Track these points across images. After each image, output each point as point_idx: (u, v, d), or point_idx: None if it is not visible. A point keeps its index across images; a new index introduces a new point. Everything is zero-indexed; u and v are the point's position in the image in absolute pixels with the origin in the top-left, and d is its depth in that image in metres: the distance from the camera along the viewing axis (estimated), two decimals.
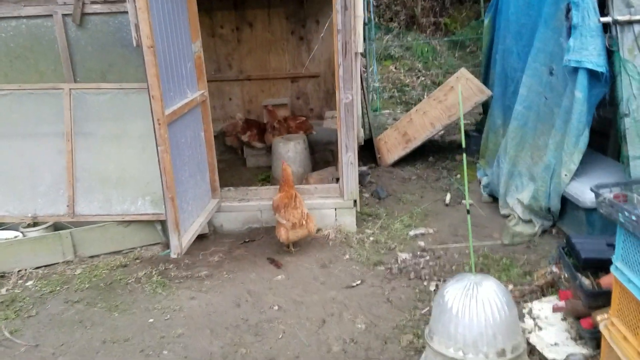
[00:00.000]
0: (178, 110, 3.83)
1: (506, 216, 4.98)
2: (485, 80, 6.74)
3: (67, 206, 4.48)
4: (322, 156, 6.57)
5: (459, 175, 6.16)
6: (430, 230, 4.86)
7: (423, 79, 10.51)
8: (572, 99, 4.06)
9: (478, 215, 5.15)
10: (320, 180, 5.35)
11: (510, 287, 3.70)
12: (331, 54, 7.33)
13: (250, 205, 4.79)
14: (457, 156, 6.71)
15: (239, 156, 6.84)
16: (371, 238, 4.68)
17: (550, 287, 3.59)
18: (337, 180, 5.29)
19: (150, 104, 3.50)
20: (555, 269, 3.55)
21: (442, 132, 6.83)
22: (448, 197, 5.55)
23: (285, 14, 7.40)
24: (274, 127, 6.48)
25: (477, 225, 4.92)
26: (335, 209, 4.73)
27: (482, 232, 4.80)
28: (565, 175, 4.23)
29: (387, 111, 9.35)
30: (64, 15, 4.31)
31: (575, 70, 3.96)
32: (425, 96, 8.85)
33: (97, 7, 4.28)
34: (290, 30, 7.46)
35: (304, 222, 4.26)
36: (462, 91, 6.68)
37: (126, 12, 4.20)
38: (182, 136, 4.01)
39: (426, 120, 6.77)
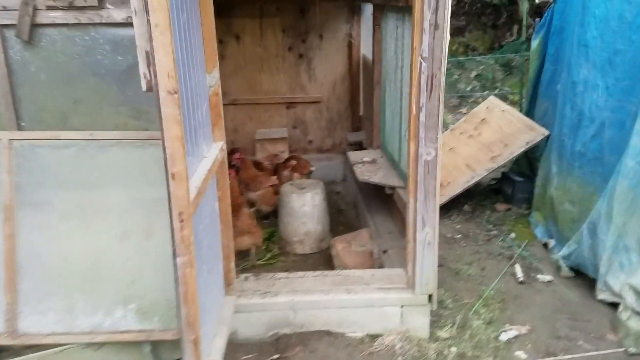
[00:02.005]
0: (202, 187, 2.35)
1: (608, 303, 3.81)
2: (529, 114, 5.60)
3: (6, 320, 2.87)
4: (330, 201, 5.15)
5: (513, 235, 4.95)
6: (524, 330, 3.60)
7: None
8: None
9: (567, 299, 3.95)
10: (355, 254, 3.98)
11: None
12: (336, 76, 6.01)
13: (277, 303, 3.33)
14: (498, 205, 5.52)
15: None
16: (453, 349, 3.35)
17: None
18: (384, 251, 3.93)
19: (168, 187, 2.01)
20: None
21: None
22: (518, 270, 4.32)
23: (282, 26, 5.97)
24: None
25: (576, 318, 3.72)
26: (402, 307, 3.37)
27: (586, 329, 3.60)
28: None
29: None
30: (2, 26, 2.72)
31: None
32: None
33: (57, 16, 2.72)
34: (288, 46, 6.04)
35: None
36: (503, 126, 5.51)
37: (104, 25, 2.68)
38: (201, 222, 2.53)
39: (459, 160, 5.54)
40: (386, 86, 4.68)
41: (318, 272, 3.44)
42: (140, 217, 2.95)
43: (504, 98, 7.63)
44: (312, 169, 5.44)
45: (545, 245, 4.70)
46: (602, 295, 3.88)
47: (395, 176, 4.12)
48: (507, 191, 5.59)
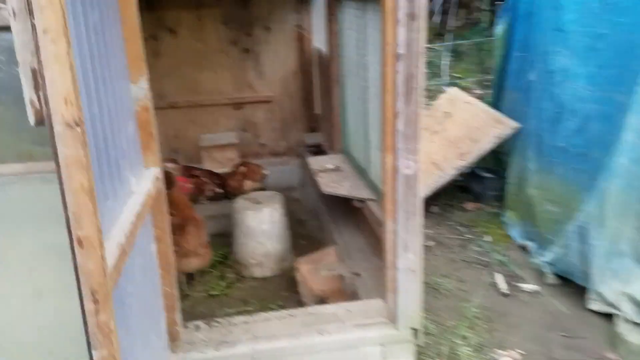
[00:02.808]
0: (128, 241, 1.77)
1: (600, 313, 3.47)
2: (497, 106, 5.23)
3: None
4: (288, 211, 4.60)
5: (489, 238, 4.57)
6: (517, 356, 3.21)
7: None
8: None
9: (557, 312, 3.59)
10: (323, 278, 3.47)
11: None
12: (287, 72, 5.45)
13: (237, 355, 2.76)
14: (467, 204, 5.14)
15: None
16: None
17: None
18: (357, 274, 3.45)
19: (74, 257, 1.43)
20: None
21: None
22: (501, 281, 3.93)
23: (222, 18, 5.34)
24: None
25: (570, 335, 3.37)
26: (383, 345, 2.88)
27: (583, 348, 3.24)
28: None
29: None
30: None
31: None
32: None
33: None
34: (231, 40, 5.42)
35: None
36: (469, 120, 5.11)
37: None
38: (130, 283, 1.94)
39: (425, 159, 5.09)
40: (347, 85, 4.17)
41: (284, 313, 2.91)
42: (57, 268, 2.32)
43: (454, 86, 7.28)
44: (266, 173, 4.88)
45: (524, 248, 4.34)
46: (593, 305, 3.54)
47: (364, 187, 3.63)
48: (476, 189, 5.22)
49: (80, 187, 1.36)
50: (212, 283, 4.02)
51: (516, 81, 4.87)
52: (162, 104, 5.41)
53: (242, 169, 4.77)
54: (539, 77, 4.14)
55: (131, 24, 2.12)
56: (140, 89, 2.28)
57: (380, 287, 3.15)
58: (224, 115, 5.60)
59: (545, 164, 4.07)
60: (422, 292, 2.88)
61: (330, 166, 4.04)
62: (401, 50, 2.45)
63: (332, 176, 3.82)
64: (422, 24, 2.44)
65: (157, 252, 2.49)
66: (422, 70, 2.50)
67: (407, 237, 2.73)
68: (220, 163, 5.07)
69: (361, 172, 3.87)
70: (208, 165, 5.09)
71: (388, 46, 2.48)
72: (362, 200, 3.47)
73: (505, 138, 4.68)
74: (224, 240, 4.57)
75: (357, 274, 3.42)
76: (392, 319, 2.90)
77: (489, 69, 9.56)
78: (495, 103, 5.21)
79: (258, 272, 4.07)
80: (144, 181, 2.26)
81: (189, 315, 3.34)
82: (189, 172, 4.76)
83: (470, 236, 4.62)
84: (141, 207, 2.02)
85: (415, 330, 2.90)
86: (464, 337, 3.36)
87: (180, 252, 3.53)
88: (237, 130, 5.62)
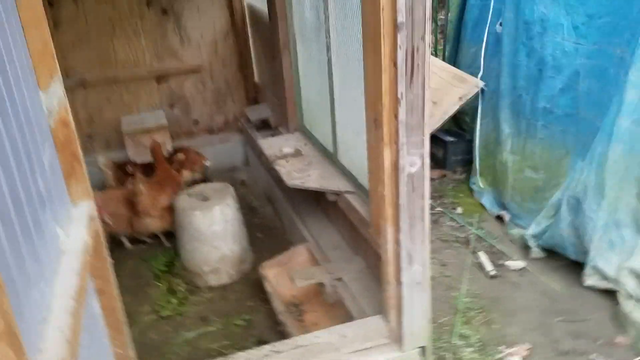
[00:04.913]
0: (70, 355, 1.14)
1: (598, 290, 3.22)
2: (455, 62, 4.79)
3: None
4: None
5: (460, 210, 4.21)
6: (524, 352, 2.88)
7: None
8: None
9: (551, 292, 3.31)
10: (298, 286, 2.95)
11: None
12: (216, 34, 4.71)
13: None
14: (431, 171, 4.71)
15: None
16: None
17: None
18: (338, 279, 2.96)
19: None
20: None
21: None
22: (485, 261, 3.59)
23: None
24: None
25: (572, 318, 3.09)
26: None
27: (589, 334, 2.97)
28: None
29: None
30: None
31: None
32: None
33: None
34: (146, 0, 4.55)
35: None
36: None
37: None
38: None
39: None
40: (300, 53, 3.53)
41: (266, 349, 2.36)
42: None
43: None
44: (207, 163, 4.21)
45: (499, 217, 4.02)
46: (590, 280, 3.27)
47: (336, 175, 3.08)
48: (438, 154, 4.81)
49: None
50: (161, 301, 3.39)
51: (476, 33, 4.41)
52: (70, 83, 4.51)
53: (180, 156, 4.06)
54: (512, 29, 3.70)
55: (33, 6, 1.39)
56: (54, 97, 1.57)
57: (367, 290, 2.70)
58: (146, 91, 4.78)
59: (526, 127, 3.70)
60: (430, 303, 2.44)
61: (289, 150, 3.44)
62: (402, 17, 1.88)
63: (294, 163, 3.23)
64: None
65: (101, 309, 1.85)
66: (427, 42, 1.95)
67: (412, 247, 2.25)
68: (148, 150, 4.31)
69: (328, 156, 3.30)
70: (132, 153, 4.30)
71: (384, 12, 1.90)
72: (337, 194, 2.94)
73: (471, 98, 4.26)
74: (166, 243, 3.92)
75: (339, 279, 2.93)
76: (395, 339, 2.45)
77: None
78: (453, 58, 4.76)
79: (214, 281, 3.48)
80: (76, 227, 1.59)
81: (139, 345, 2.72)
82: (122, 170, 4.03)
83: (440, 209, 4.23)
84: (79, 277, 1.37)
85: (423, 348, 2.47)
86: (463, 336, 2.99)
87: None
88: (164, 107, 4.83)
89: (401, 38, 1.90)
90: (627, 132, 2.97)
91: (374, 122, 2.21)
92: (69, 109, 1.67)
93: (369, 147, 2.40)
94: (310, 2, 3.14)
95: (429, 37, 1.95)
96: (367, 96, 2.27)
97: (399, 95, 1.98)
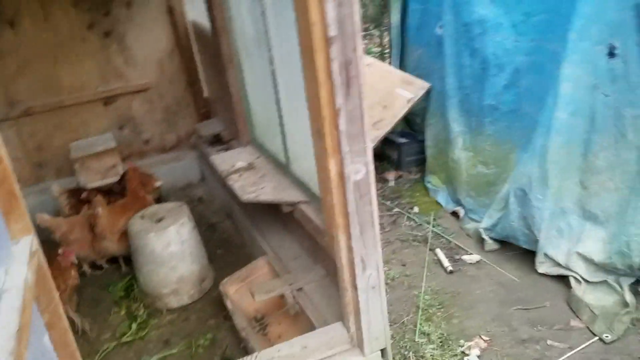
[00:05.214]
0: None
1: (551, 276, 3.34)
2: (401, 65, 4.90)
3: None
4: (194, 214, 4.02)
5: (417, 209, 4.29)
6: (483, 344, 2.96)
7: None
8: None
9: (507, 282, 3.41)
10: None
11: None
12: (161, 53, 4.69)
13: None
14: (387, 174, 4.82)
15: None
16: None
17: None
18: (299, 289, 2.98)
19: None
20: None
21: None
22: (442, 257, 3.67)
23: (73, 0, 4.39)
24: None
25: (528, 307, 3.19)
26: None
27: (545, 320, 3.09)
28: None
29: None
30: None
31: None
32: None
33: None
34: (86, 24, 4.48)
35: None
36: (375, 84, 4.74)
37: None
38: None
39: None
40: (245, 66, 3.54)
41: None
42: None
43: None
44: (158, 184, 4.17)
45: (455, 213, 4.12)
46: (542, 268, 3.39)
47: (290, 186, 3.10)
48: (392, 156, 4.90)
49: None
50: (121, 326, 3.35)
51: (419, 37, 4.53)
52: (15, 112, 4.44)
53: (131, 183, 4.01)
54: (453, 31, 3.80)
55: None
56: None
57: (328, 298, 2.73)
58: (94, 114, 4.70)
59: (475, 124, 3.81)
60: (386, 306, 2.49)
61: (242, 163, 3.45)
62: (332, 31, 1.92)
63: (248, 177, 3.24)
64: None
65: (52, 343, 1.82)
66: (360, 54, 2.00)
67: (365, 252, 2.29)
68: (99, 174, 4.24)
69: (281, 168, 3.33)
70: (83, 179, 4.23)
71: (314, 27, 1.94)
72: (292, 205, 2.96)
73: (419, 100, 4.36)
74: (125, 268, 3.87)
75: (300, 289, 2.95)
76: (357, 344, 2.49)
77: (366, 18, 9.26)
78: (400, 62, 4.86)
79: (175, 302, 3.45)
80: (17, 264, 1.57)
81: None
82: (76, 198, 3.97)
83: (398, 210, 4.31)
84: (20, 315, 1.36)
85: (383, 350, 2.52)
86: (425, 334, 3.05)
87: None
88: (113, 130, 4.77)
89: (333, 52, 1.94)
90: (565, 124, 3.10)
91: (317, 133, 2.24)
92: (2, 144, 1.64)
93: (316, 158, 2.42)
94: (250, 16, 3.16)
95: (361, 49, 2.00)
96: (309, 108, 2.31)
97: (338, 107, 2.02)
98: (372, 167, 2.20)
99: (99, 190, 4.07)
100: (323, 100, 2.04)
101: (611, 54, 2.90)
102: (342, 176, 2.16)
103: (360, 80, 2.03)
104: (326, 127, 2.09)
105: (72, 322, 3.18)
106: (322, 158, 2.22)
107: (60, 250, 3.26)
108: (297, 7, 2.02)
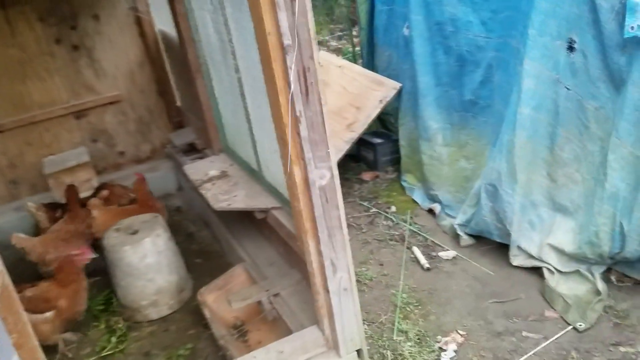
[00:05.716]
0: None
1: (525, 268, 3.39)
2: (372, 66, 4.93)
3: None
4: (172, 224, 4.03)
5: (394, 208, 4.32)
6: (459, 338, 3.00)
7: None
8: None
9: (483, 277, 3.46)
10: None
11: None
12: (131, 64, 4.69)
13: None
14: (363, 175, 4.85)
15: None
16: None
17: None
18: (275, 295, 2.99)
19: None
20: None
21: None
22: (419, 255, 3.71)
23: (37, 14, 4.35)
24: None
25: (503, 300, 3.23)
26: None
27: (520, 312, 3.13)
28: None
29: None
30: None
31: None
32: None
33: None
34: (54, 38, 4.46)
35: None
36: (347, 86, 4.77)
37: None
38: None
39: None
40: (212, 75, 3.54)
41: None
42: None
43: None
44: (133, 196, 4.16)
45: (431, 211, 4.16)
46: (516, 260, 3.44)
47: (262, 193, 3.12)
48: (368, 156, 4.93)
49: None
50: (100, 340, 3.33)
51: (387, 38, 4.56)
52: None
53: (104, 193, 3.99)
54: (425, 31, 3.82)
55: None
56: None
57: (304, 302, 2.75)
58: (66, 129, 4.68)
59: (458, 119, 3.84)
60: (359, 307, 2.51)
61: (215, 172, 3.45)
62: (287, 40, 1.94)
63: (220, 185, 3.25)
64: (306, 3, 1.94)
65: None
66: (317, 60, 2.02)
67: (334, 256, 2.32)
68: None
69: (253, 175, 3.34)
70: (58, 194, 4.20)
71: (270, 37, 1.96)
72: (265, 211, 2.98)
73: (391, 100, 4.39)
74: (102, 281, 3.84)
75: (276, 295, 2.97)
76: (333, 346, 2.52)
77: (341, 19, 9.30)
78: (369, 63, 4.89)
79: (154, 314, 3.44)
80: None
81: None
82: (53, 213, 3.94)
83: (375, 210, 4.34)
84: None
85: (358, 351, 2.54)
86: (402, 332, 3.08)
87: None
88: (86, 143, 4.74)
89: (290, 60, 1.96)
90: (529, 118, 3.15)
91: (281, 140, 2.26)
92: None
93: (283, 164, 2.45)
94: (214, 26, 3.17)
95: (317, 56, 2.02)
96: (272, 116, 2.33)
97: (298, 114, 2.05)
98: (336, 171, 2.23)
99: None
100: (283, 107, 2.07)
101: (570, 48, 2.96)
102: (307, 182, 2.19)
103: (320, 87, 2.05)
104: (288, 133, 2.11)
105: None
106: (287, 164, 2.24)
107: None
108: (253, 18, 2.04)
